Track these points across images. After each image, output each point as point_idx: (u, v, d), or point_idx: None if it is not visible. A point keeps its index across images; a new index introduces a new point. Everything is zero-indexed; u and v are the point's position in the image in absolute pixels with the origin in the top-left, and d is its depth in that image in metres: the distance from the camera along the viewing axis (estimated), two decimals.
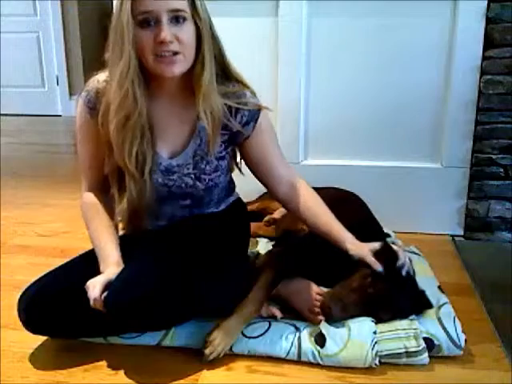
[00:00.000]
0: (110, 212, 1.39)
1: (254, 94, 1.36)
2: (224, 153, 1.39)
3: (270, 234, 1.92)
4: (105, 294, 1.20)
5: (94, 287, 1.21)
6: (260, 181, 1.46)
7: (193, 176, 1.36)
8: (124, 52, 1.19)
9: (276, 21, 1.98)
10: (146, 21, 1.18)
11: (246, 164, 1.45)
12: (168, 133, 1.34)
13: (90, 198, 1.41)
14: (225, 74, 1.32)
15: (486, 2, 1.85)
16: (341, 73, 2.01)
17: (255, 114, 1.35)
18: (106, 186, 1.38)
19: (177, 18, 1.19)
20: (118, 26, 1.19)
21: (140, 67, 1.23)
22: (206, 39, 1.24)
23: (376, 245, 1.40)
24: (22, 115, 4.67)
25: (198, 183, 1.37)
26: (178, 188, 1.37)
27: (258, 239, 1.90)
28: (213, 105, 1.27)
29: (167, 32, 1.18)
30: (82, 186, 1.44)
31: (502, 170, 2.00)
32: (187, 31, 1.21)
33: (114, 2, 1.99)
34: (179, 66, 1.23)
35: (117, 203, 1.35)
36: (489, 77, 1.92)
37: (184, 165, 1.35)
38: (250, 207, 1.89)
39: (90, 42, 4.68)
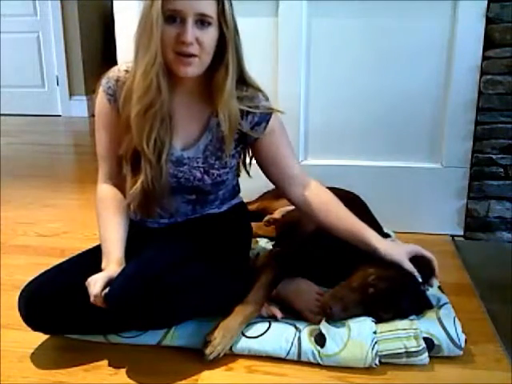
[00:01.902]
0: (125, 203, 1.41)
1: (266, 97, 1.39)
2: (234, 151, 1.41)
3: (270, 234, 1.92)
4: (105, 290, 1.21)
5: (95, 284, 1.22)
6: (273, 182, 1.48)
7: (202, 170, 1.38)
8: (151, 44, 1.22)
9: (276, 21, 1.98)
10: (172, 17, 1.22)
11: (259, 165, 1.47)
12: (182, 126, 1.37)
13: (105, 191, 1.43)
14: (241, 79, 1.35)
15: (486, 2, 1.85)
16: (341, 73, 2.01)
17: (266, 116, 1.38)
18: (123, 176, 1.40)
19: (202, 22, 1.23)
20: (148, 19, 1.22)
21: (164, 61, 1.26)
22: (230, 45, 1.27)
23: (410, 248, 1.41)
24: (21, 115, 4.66)
25: (206, 177, 1.39)
26: (187, 180, 1.39)
27: (257, 239, 1.90)
28: (231, 108, 1.31)
29: (190, 34, 1.21)
30: (98, 176, 1.45)
31: (501, 170, 2.00)
32: (209, 35, 1.24)
33: (115, 2, 2.00)
34: (193, 69, 1.26)
35: (129, 185, 1.37)
36: (489, 77, 1.92)
37: (194, 158, 1.38)
38: (250, 207, 1.89)
39: (90, 42, 4.68)
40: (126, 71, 1.34)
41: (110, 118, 1.37)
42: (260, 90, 1.38)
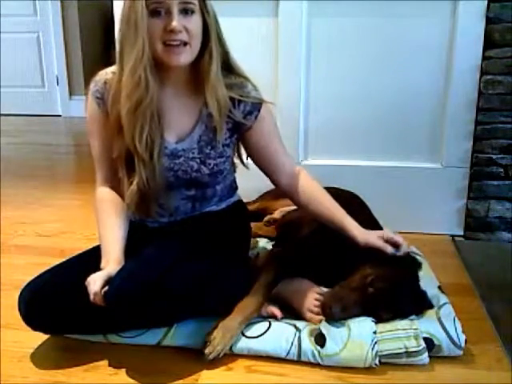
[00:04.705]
0: (123, 205, 1.42)
1: (255, 87, 1.41)
2: (228, 140, 1.43)
3: (270, 234, 1.92)
4: (105, 288, 1.22)
5: (95, 282, 1.23)
6: (262, 170, 1.50)
7: (198, 160, 1.39)
8: (138, 39, 1.23)
9: (276, 21, 1.98)
10: (156, 10, 1.23)
11: (249, 154, 1.49)
12: (174, 119, 1.38)
13: (103, 193, 1.44)
14: (227, 67, 1.37)
15: (486, 2, 1.85)
16: (341, 73, 2.01)
17: (257, 105, 1.40)
18: (119, 178, 1.41)
19: (186, 10, 1.25)
20: (132, 15, 1.23)
21: (154, 55, 1.27)
22: (212, 31, 1.30)
23: (381, 232, 1.42)
24: (21, 115, 4.66)
25: (202, 167, 1.40)
26: (184, 172, 1.39)
27: (257, 239, 1.90)
28: (219, 93, 1.33)
29: (177, 22, 1.23)
30: (96, 179, 1.46)
31: (501, 170, 2.00)
32: (195, 23, 1.27)
33: (115, 2, 2.00)
34: (185, 56, 1.28)
35: (126, 187, 1.37)
36: (489, 77, 1.92)
37: (189, 149, 1.39)
38: (250, 207, 1.89)
39: (90, 42, 4.68)
40: (114, 73, 1.34)
41: (100, 122, 1.38)
42: (248, 80, 1.40)
